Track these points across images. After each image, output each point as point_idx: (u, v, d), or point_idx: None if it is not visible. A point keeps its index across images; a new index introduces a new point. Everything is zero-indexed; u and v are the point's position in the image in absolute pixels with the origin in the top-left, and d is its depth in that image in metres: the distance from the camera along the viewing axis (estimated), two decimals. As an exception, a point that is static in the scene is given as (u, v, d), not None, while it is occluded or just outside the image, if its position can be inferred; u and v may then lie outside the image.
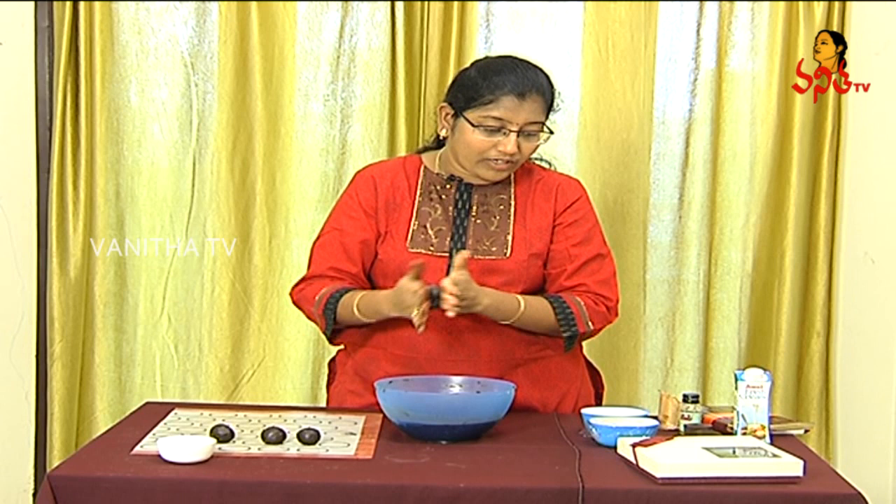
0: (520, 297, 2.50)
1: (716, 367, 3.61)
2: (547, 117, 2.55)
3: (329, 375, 2.79)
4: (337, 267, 2.59)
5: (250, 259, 3.48)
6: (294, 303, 2.67)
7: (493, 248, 2.56)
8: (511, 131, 2.48)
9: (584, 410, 2.35)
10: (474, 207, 2.60)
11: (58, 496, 1.94)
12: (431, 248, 2.56)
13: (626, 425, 2.22)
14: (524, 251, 2.57)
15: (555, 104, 2.57)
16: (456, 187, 2.61)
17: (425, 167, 2.65)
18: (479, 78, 2.52)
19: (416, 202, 2.61)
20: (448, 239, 2.57)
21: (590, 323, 2.53)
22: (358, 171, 2.73)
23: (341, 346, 2.70)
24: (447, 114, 2.57)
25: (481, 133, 2.49)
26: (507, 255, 2.56)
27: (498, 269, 2.55)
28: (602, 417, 2.28)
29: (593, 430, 2.24)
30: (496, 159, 2.51)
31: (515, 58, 2.59)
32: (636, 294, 3.51)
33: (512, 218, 2.60)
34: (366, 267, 2.61)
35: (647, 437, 2.16)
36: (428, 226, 2.58)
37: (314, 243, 2.67)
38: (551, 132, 2.56)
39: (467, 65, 2.69)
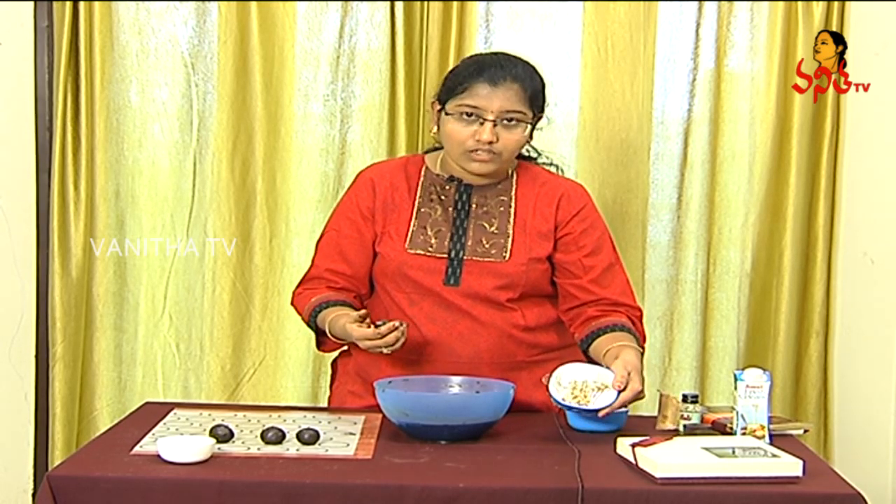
0: (631, 345, 2.48)
1: (714, 366, 3.62)
2: (533, 109, 2.52)
3: (332, 375, 2.79)
4: (332, 269, 2.62)
5: (251, 259, 3.49)
6: (292, 305, 2.71)
7: (493, 251, 2.55)
8: (486, 119, 2.47)
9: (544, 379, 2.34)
10: (473, 208, 2.59)
11: (57, 496, 1.94)
12: (430, 250, 2.55)
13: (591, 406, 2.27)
14: (523, 255, 2.56)
15: (544, 96, 2.54)
16: (456, 188, 2.61)
17: (427, 168, 2.65)
18: (460, 69, 2.54)
19: (417, 203, 2.60)
20: (447, 240, 2.56)
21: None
22: (360, 172, 2.73)
23: (344, 349, 2.70)
24: (437, 110, 2.57)
25: (457, 122, 2.48)
26: (507, 258, 2.55)
27: (496, 272, 2.54)
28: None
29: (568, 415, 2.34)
30: (476, 150, 2.49)
31: (503, 53, 2.58)
32: (635, 293, 3.50)
33: (512, 221, 2.59)
34: (367, 267, 2.62)
35: (647, 438, 2.16)
36: (427, 227, 2.58)
37: (317, 241, 2.70)
38: (533, 124, 2.53)
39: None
